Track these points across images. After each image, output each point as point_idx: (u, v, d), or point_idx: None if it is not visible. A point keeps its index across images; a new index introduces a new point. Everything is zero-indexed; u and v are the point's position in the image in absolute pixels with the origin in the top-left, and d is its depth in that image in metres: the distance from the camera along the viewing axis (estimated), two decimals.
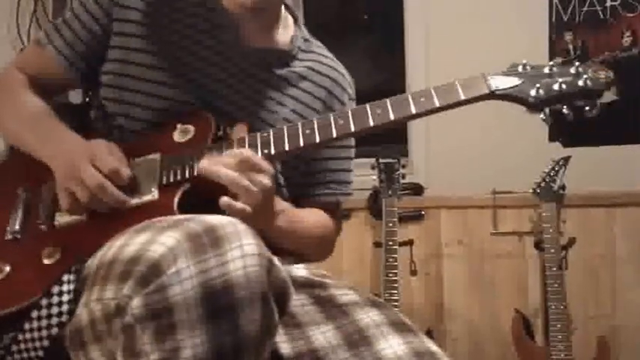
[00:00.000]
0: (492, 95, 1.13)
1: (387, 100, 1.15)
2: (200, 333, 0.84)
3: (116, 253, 0.91)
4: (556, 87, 1.12)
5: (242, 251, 0.87)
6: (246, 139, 1.17)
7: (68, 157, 1.18)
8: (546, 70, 1.14)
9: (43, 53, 1.35)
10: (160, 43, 1.28)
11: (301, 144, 1.15)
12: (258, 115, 1.29)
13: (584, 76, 1.12)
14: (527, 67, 1.15)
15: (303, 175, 1.36)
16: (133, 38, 1.29)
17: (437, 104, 1.13)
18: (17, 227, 1.21)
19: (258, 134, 1.17)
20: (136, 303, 0.84)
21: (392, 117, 1.13)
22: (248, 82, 1.30)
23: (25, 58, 1.42)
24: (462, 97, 1.12)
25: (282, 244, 1.27)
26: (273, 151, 1.16)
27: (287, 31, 1.39)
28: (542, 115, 1.14)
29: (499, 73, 1.15)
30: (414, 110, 1.13)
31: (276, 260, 0.93)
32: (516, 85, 1.13)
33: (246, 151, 1.11)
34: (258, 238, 0.92)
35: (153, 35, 1.28)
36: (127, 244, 0.91)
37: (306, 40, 1.42)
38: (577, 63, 1.14)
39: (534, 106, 1.13)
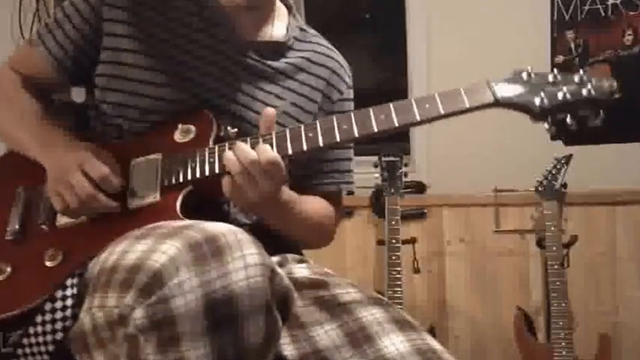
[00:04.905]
0: (497, 103, 1.11)
1: (391, 105, 1.13)
2: (203, 344, 0.84)
3: (117, 260, 0.90)
4: (560, 96, 1.11)
5: (244, 262, 0.87)
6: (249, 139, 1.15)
7: (59, 161, 1.18)
8: (550, 79, 1.13)
9: (34, 53, 1.33)
10: (153, 43, 1.27)
11: (304, 148, 1.13)
12: (257, 110, 1.27)
13: (588, 85, 1.11)
14: (532, 75, 1.13)
15: (305, 165, 1.34)
16: (124, 39, 1.27)
17: (441, 111, 1.11)
18: (18, 227, 1.20)
19: (260, 137, 1.15)
20: (139, 314, 0.84)
21: (396, 123, 1.11)
22: (246, 77, 1.29)
23: (18, 58, 1.40)
24: (467, 105, 1.11)
25: (282, 230, 1.27)
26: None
27: (281, 21, 1.38)
28: (545, 125, 1.12)
29: (503, 80, 1.13)
30: (418, 117, 1.11)
31: (278, 268, 0.93)
32: (521, 94, 1.11)
33: (274, 155, 1.10)
34: (260, 247, 0.91)
35: (145, 36, 1.27)
36: (128, 251, 0.90)
37: (301, 29, 1.40)
38: (581, 71, 1.12)
39: (539, 116, 1.11)
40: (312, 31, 1.43)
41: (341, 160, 1.40)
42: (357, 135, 1.13)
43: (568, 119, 1.12)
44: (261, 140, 1.13)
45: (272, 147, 1.12)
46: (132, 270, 0.87)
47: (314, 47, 1.40)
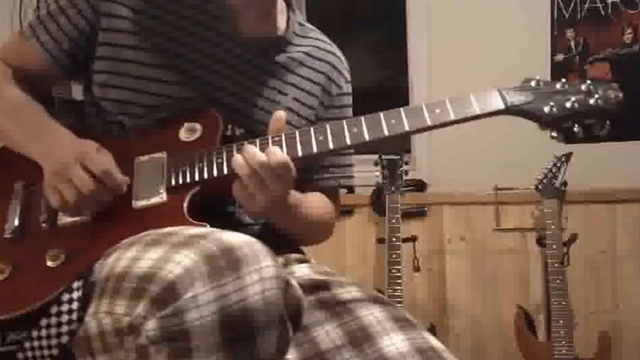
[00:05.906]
0: (507, 111, 1.12)
1: (401, 110, 1.13)
2: (217, 358, 0.83)
3: (127, 267, 0.88)
4: (568, 105, 1.13)
5: (260, 274, 0.86)
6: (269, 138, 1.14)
7: (56, 155, 1.14)
8: (558, 87, 1.14)
9: (27, 47, 1.28)
10: (154, 38, 1.23)
11: (315, 150, 1.12)
12: (259, 105, 1.26)
13: (596, 95, 1.13)
14: (540, 84, 1.15)
15: (305, 160, 1.34)
16: (124, 34, 1.23)
17: (452, 117, 1.11)
18: (17, 225, 1.16)
19: (270, 137, 1.13)
20: (151, 325, 0.82)
21: (407, 127, 1.12)
22: (247, 72, 1.27)
23: (9, 50, 1.34)
24: (478, 112, 1.11)
25: (287, 229, 1.26)
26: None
27: (282, 16, 1.36)
28: (553, 133, 1.14)
29: (513, 88, 1.14)
30: (429, 122, 1.12)
31: (292, 280, 0.92)
32: (530, 102, 1.13)
33: (284, 157, 1.08)
34: (275, 259, 0.90)
35: (145, 30, 1.23)
36: (139, 258, 0.89)
37: (300, 24, 1.38)
38: (588, 81, 1.14)
39: (547, 124, 1.13)
40: (311, 27, 1.42)
41: (340, 154, 1.39)
42: (367, 139, 1.12)
43: (575, 128, 1.13)
44: (270, 142, 1.12)
45: (282, 149, 1.10)
46: (144, 279, 0.85)
47: (314, 42, 1.38)
